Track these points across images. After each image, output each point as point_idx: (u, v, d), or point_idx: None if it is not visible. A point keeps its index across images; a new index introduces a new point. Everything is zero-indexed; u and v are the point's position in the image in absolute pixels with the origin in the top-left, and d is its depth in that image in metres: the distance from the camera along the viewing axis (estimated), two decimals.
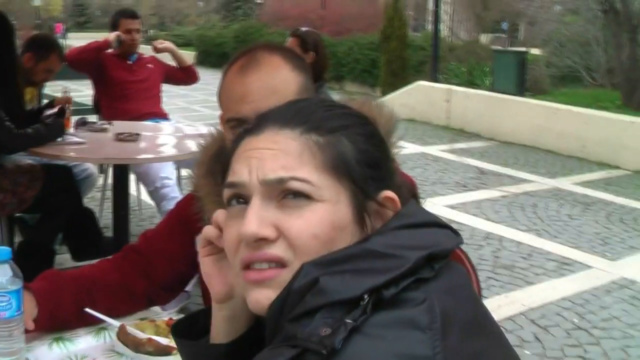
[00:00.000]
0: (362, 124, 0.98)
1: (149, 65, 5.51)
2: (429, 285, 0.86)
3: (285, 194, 0.91)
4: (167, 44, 5.71)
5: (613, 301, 4.49)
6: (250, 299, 0.92)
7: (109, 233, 5.06)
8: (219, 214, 0.99)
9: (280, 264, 0.91)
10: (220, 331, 1.02)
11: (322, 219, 0.90)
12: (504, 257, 5.24)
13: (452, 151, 9.23)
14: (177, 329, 1.07)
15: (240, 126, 1.52)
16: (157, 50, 5.61)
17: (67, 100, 4.34)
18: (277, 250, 0.90)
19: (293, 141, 0.92)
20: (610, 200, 6.99)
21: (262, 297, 0.91)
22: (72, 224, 4.22)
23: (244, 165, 0.94)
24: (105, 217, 5.52)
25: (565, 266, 5.11)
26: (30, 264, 3.94)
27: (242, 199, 0.95)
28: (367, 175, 0.93)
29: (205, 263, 1.02)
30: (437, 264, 0.89)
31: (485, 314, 0.93)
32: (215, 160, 1.58)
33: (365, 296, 0.82)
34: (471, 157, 8.80)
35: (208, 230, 1.01)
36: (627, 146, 8.49)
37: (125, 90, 5.33)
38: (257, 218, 0.90)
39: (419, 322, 0.81)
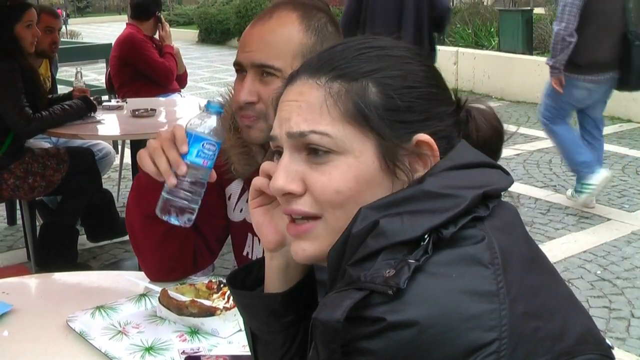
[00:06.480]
0: (402, 62, 0.95)
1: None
2: (484, 224, 0.87)
3: (310, 147, 0.92)
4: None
5: (634, 251, 4.50)
6: (291, 250, 0.96)
7: None
8: (266, 165, 1.00)
9: (312, 217, 0.93)
10: (275, 281, 1.03)
11: (344, 175, 0.90)
12: (523, 213, 5.06)
13: None
14: (232, 280, 1.08)
15: (240, 71, 1.57)
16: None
17: (83, 92, 4.34)
18: (304, 205, 0.92)
19: (316, 91, 0.93)
20: (625, 153, 6.97)
21: (299, 249, 0.94)
22: (90, 206, 4.24)
23: (277, 117, 0.96)
24: (123, 197, 5.56)
25: (584, 220, 5.12)
26: (55, 245, 4.04)
27: (280, 151, 0.96)
28: (394, 120, 0.92)
29: (256, 213, 1.03)
30: (491, 202, 0.90)
31: (537, 250, 0.94)
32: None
33: (426, 236, 0.83)
34: None
35: (258, 181, 1.02)
36: (637, 99, 8.40)
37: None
38: (285, 172, 0.93)
39: (481, 258, 0.83)
